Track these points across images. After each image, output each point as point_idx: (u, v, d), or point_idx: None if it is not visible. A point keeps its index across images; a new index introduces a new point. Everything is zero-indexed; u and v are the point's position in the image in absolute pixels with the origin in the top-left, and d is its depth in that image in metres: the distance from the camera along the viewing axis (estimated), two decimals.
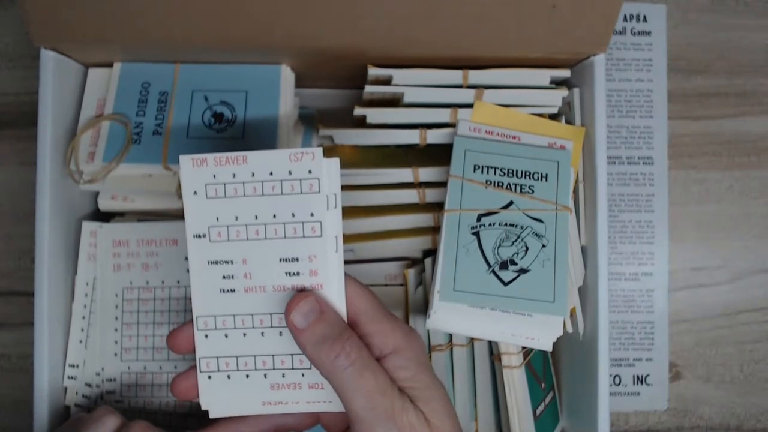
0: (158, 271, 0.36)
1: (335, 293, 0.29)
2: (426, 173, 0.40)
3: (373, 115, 0.40)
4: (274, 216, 0.29)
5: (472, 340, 0.41)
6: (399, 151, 0.42)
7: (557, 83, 0.42)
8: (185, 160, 0.29)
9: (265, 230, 0.29)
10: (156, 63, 0.41)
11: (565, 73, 0.40)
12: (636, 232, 0.51)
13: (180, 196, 0.40)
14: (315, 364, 0.28)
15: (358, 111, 0.40)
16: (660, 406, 0.51)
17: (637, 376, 0.51)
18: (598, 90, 0.39)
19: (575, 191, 0.40)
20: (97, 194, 0.41)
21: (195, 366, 0.30)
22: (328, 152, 0.43)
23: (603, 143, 0.39)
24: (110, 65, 0.41)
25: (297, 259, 0.29)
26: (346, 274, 0.30)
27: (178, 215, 0.41)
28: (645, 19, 0.52)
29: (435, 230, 0.42)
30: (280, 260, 0.29)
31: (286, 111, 0.40)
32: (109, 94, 0.40)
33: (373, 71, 0.40)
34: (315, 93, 0.47)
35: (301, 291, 0.29)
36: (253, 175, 0.29)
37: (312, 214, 0.29)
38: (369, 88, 0.41)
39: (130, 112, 0.40)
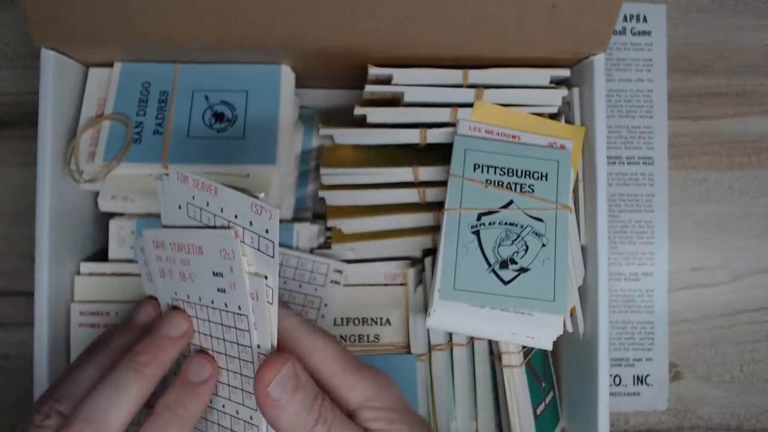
0: (194, 285, 0.29)
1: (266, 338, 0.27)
2: (426, 173, 0.41)
3: (374, 114, 0.40)
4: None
5: (472, 340, 0.41)
6: (399, 151, 0.42)
7: (557, 83, 0.42)
8: (173, 173, 0.27)
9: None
10: (156, 63, 0.41)
11: (565, 72, 0.41)
12: (636, 232, 0.51)
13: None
14: None
15: (359, 111, 0.40)
16: (660, 406, 0.51)
17: (637, 376, 0.51)
18: (598, 90, 0.39)
19: (575, 191, 0.40)
20: (97, 194, 0.42)
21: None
22: (329, 152, 0.43)
23: (603, 143, 0.39)
24: (110, 65, 0.41)
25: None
26: (301, 325, 0.28)
27: None
28: (645, 19, 0.52)
29: (435, 230, 0.42)
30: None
31: (286, 111, 0.40)
32: (109, 94, 0.40)
33: (374, 71, 0.40)
34: (315, 93, 0.47)
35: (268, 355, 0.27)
36: (221, 210, 0.26)
37: (266, 277, 0.26)
38: (369, 88, 0.41)
39: (131, 112, 0.40)
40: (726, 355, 0.51)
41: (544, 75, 0.40)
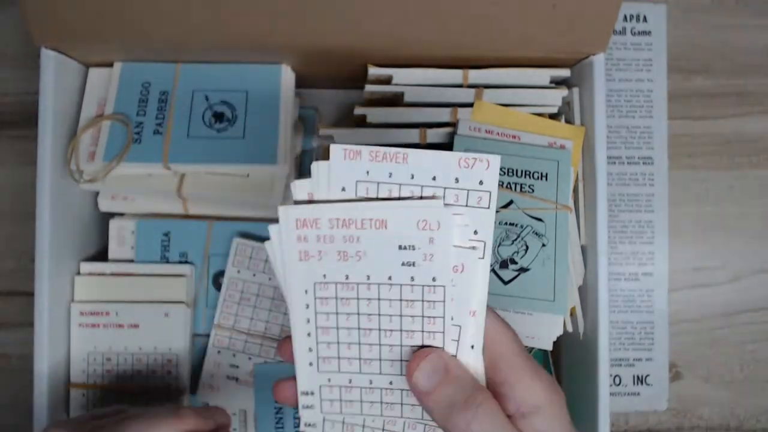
0: (360, 263, 0.26)
1: (473, 330, 0.26)
2: None
3: (374, 114, 0.40)
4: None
5: None
6: None
7: (557, 83, 0.42)
8: (337, 149, 0.24)
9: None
10: (156, 63, 0.41)
11: (565, 72, 0.41)
12: (636, 232, 0.51)
13: (181, 197, 0.40)
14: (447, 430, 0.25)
15: (359, 110, 0.40)
16: (660, 407, 0.51)
17: (637, 376, 0.51)
18: (598, 90, 0.39)
19: (575, 191, 0.40)
20: (97, 194, 0.42)
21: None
22: (328, 152, 0.43)
23: (603, 143, 0.39)
24: (111, 65, 0.41)
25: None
26: (488, 308, 0.26)
27: (178, 216, 0.41)
28: (645, 19, 0.52)
29: None
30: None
31: (286, 111, 0.40)
32: (109, 94, 0.40)
33: (374, 71, 0.40)
34: (315, 93, 0.47)
35: (422, 348, 0.26)
36: (412, 177, 0.25)
37: (475, 232, 0.25)
38: (369, 88, 0.41)
39: (131, 112, 0.40)
40: (726, 355, 0.51)
41: (544, 75, 0.40)
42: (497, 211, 0.37)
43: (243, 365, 0.40)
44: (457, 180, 0.24)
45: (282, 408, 0.40)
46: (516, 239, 0.37)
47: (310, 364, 0.27)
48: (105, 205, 0.41)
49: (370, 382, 0.27)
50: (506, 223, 0.37)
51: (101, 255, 0.42)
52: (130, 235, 0.41)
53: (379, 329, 0.27)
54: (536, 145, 0.39)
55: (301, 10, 0.35)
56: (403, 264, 0.26)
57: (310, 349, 0.27)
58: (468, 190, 0.24)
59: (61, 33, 0.37)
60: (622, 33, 0.51)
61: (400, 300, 0.27)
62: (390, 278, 0.26)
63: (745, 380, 0.51)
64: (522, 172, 0.38)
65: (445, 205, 0.25)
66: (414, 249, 0.26)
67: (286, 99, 0.41)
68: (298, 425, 0.40)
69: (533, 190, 0.38)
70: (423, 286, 0.26)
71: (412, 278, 0.26)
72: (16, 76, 0.49)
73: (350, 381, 0.27)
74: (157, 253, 0.41)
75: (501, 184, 0.38)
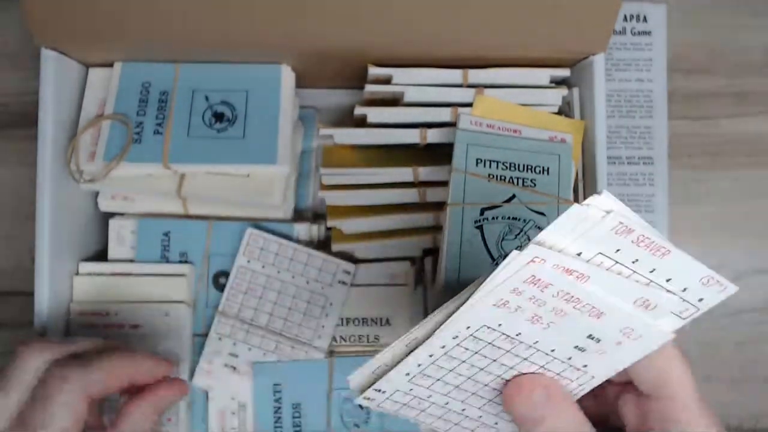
0: (540, 329, 0.24)
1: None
2: (426, 172, 0.41)
3: (374, 114, 0.40)
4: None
5: None
6: (399, 151, 0.42)
7: (557, 82, 0.42)
8: (611, 222, 0.21)
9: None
10: (156, 63, 0.41)
11: (564, 72, 0.41)
12: None
13: (181, 197, 0.40)
14: None
15: (359, 110, 0.40)
16: None
17: None
18: (598, 90, 0.39)
19: (575, 191, 0.40)
20: (97, 194, 0.42)
21: None
22: (329, 152, 0.43)
23: (603, 143, 0.39)
24: (111, 65, 0.41)
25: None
26: (672, 345, 0.26)
27: (178, 216, 0.41)
28: (645, 19, 0.52)
29: (435, 230, 0.42)
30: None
31: (286, 111, 0.40)
32: (109, 94, 0.40)
33: (374, 71, 0.40)
34: (315, 93, 0.47)
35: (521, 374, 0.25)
36: (652, 271, 0.23)
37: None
38: (369, 88, 0.41)
39: (131, 112, 0.40)
40: (726, 355, 0.51)
41: (544, 75, 0.40)
42: (498, 207, 0.37)
43: (242, 355, 0.40)
44: (685, 290, 0.23)
45: (281, 407, 0.40)
46: (519, 234, 0.37)
47: (407, 374, 0.26)
48: (105, 205, 0.41)
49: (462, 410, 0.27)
50: (509, 218, 0.37)
51: (101, 255, 0.42)
52: (130, 235, 0.41)
53: (496, 375, 0.26)
54: (537, 139, 0.39)
55: (301, 10, 0.35)
56: (575, 347, 0.25)
57: (420, 365, 0.25)
58: (684, 300, 0.24)
59: (61, 33, 0.37)
60: (622, 33, 0.51)
61: (543, 367, 0.26)
62: (552, 351, 0.25)
63: (745, 380, 0.51)
64: (524, 166, 0.38)
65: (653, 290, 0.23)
66: (598, 342, 0.25)
67: (286, 99, 0.41)
68: (297, 424, 0.40)
69: (535, 185, 0.38)
70: (572, 367, 0.26)
71: (569, 358, 0.25)
72: (16, 76, 0.49)
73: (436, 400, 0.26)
74: (157, 253, 0.41)
75: (503, 179, 0.38)
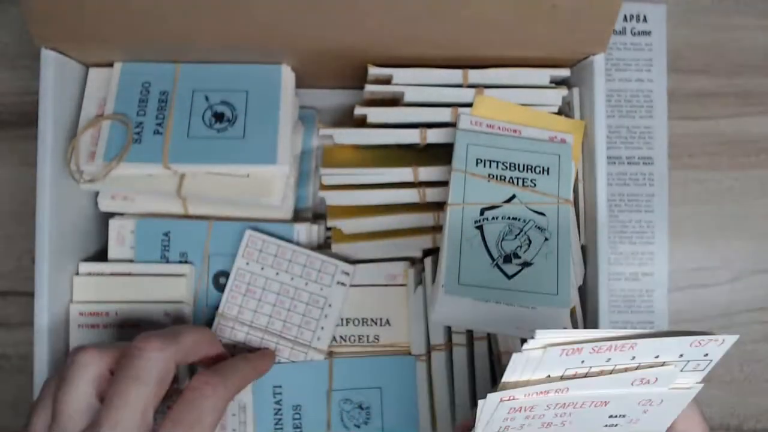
0: (562, 428, 0.25)
1: None
2: (426, 172, 0.41)
3: (374, 114, 0.40)
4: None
5: (471, 340, 0.41)
6: (399, 151, 0.42)
7: (557, 83, 0.42)
8: (553, 351, 0.22)
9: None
10: (156, 63, 0.41)
11: (564, 72, 0.41)
12: (636, 232, 0.51)
13: (180, 197, 0.40)
14: None
15: (359, 110, 0.40)
16: None
17: None
18: (598, 90, 0.39)
19: (575, 191, 0.40)
20: (97, 194, 0.42)
21: None
22: (329, 152, 0.43)
23: (603, 143, 0.39)
24: (111, 65, 0.41)
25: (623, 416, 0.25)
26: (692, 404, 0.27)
27: (178, 216, 0.41)
28: (645, 19, 0.52)
29: (435, 230, 0.42)
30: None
31: (286, 111, 0.40)
32: (109, 94, 0.40)
33: (374, 71, 0.40)
34: (315, 93, 0.47)
35: None
36: (633, 358, 0.23)
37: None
38: (369, 88, 0.41)
39: (131, 112, 0.40)
40: (726, 355, 0.51)
41: (544, 75, 0.40)
42: (498, 207, 0.37)
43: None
44: (681, 355, 0.24)
45: (281, 409, 0.40)
46: (519, 234, 0.37)
47: None
48: (105, 205, 0.41)
49: None
50: (509, 218, 0.37)
51: (101, 255, 0.42)
52: (130, 234, 0.41)
53: None
54: (537, 139, 0.39)
55: (301, 10, 0.35)
56: (605, 426, 0.25)
57: None
58: (689, 361, 0.24)
59: (61, 33, 0.37)
60: (622, 33, 0.51)
61: None
62: None
63: (745, 380, 0.51)
64: (524, 166, 0.38)
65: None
66: (624, 417, 0.25)
67: (286, 99, 0.41)
68: (297, 425, 0.40)
69: (535, 185, 0.38)
70: None
71: None
72: (16, 76, 0.49)
73: None
74: (157, 253, 0.41)
75: (503, 179, 0.38)
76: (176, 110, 0.40)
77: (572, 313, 0.39)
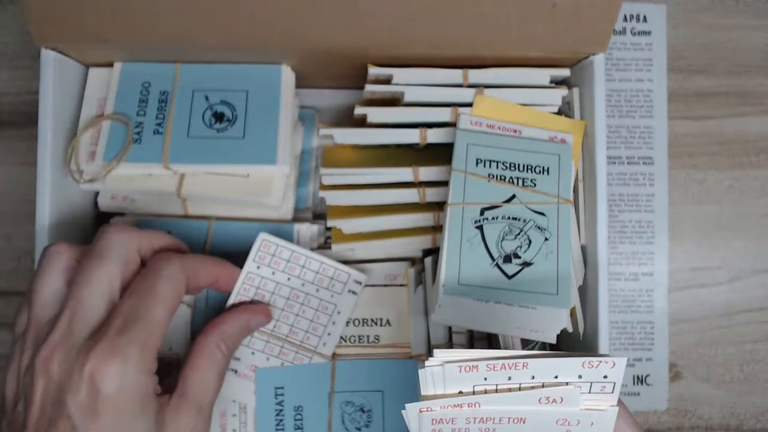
0: None
1: None
2: (426, 172, 0.41)
3: (374, 114, 0.40)
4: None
5: (471, 340, 0.41)
6: (399, 151, 0.42)
7: (557, 82, 0.42)
8: (451, 368, 0.24)
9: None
10: (156, 63, 0.41)
11: (564, 72, 0.41)
12: (636, 232, 0.51)
13: (180, 197, 0.40)
14: None
15: (359, 110, 0.40)
16: (660, 406, 0.51)
17: (637, 376, 0.51)
18: (598, 90, 0.39)
19: (575, 191, 0.40)
20: (97, 194, 0.42)
21: None
22: (329, 152, 0.43)
23: (603, 143, 0.39)
24: (111, 65, 0.41)
25: None
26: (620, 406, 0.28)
27: (178, 216, 0.41)
28: (645, 19, 0.52)
29: (435, 230, 0.42)
30: None
31: (286, 111, 0.40)
32: (109, 94, 0.40)
33: (374, 70, 0.40)
34: (315, 93, 0.47)
35: None
36: (533, 377, 0.25)
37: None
38: (369, 88, 0.41)
39: (131, 112, 0.40)
40: (726, 355, 0.51)
41: (544, 75, 0.40)
42: (498, 207, 0.37)
43: (244, 359, 0.40)
44: (580, 377, 0.25)
45: (282, 410, 0.40)
46: (519, 233, 0.37)
47: None
48: (105, 205, 0.41)
49: None
50: (509, 218, 0.37)
51: None
52: None
53: None
54: (537, 139, 0.39)
55: (302, 11, 0.35)
56: None
57: None
58: (591, 383, 0.25)
59: (61, 33, 0.37)
60: (622, 33, 0.51)
61: None
62: None
63: (745, 380, 0.51)
64: (524, 166, 0.38)
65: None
66: None
67: (286, 99, 0.41)
68: (299, 426, 0.40)
69: (535, 185, 0.38)
70: None
71: None
72: (16, 76, 0.49)
73: None
74: None
75: (503, 179, 0.38)
76: (176, 110, 0.40)
77: (572, 313, 0.39)
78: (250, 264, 0.39)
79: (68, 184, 0.39)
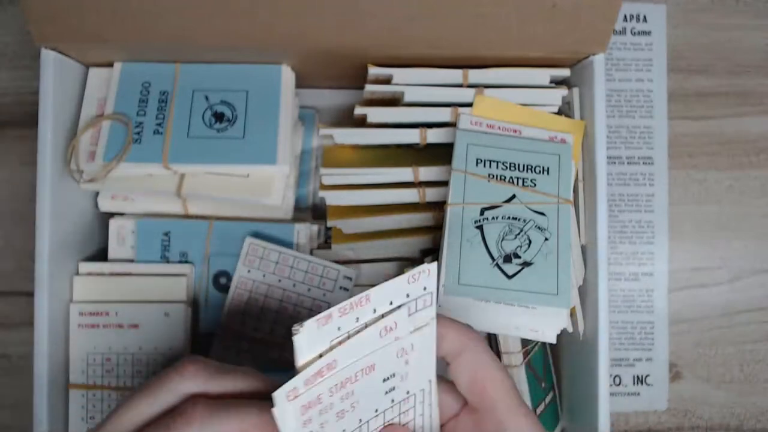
0: (355, 412, 0.27)
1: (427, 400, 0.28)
2: (426, 172, 0.41)
3: (374, 114, 0.40)
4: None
5: None
6: (399, 151, 0.42)
7: (557, 82, 0.42)
8: (309, 324, 0.24)
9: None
10: (156, 63, 0.41)
11: (564, 72, 0.41)
12: (636, 232, 0.51)
13: (180, 197, 0.40)
14: None
15: (359, 110, 0.40)
16: (660, 407, 0.51)
17: (637, 376, 0.51)
18: (598, 90, 0.39)
19: (575, 191, 0.40)
20: (97, 194, 0.42)
21: None
22: (329, 152, 0.43)
23: (603, 143, 0.39)
24: (111, 65, 0.41)
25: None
26: (485, 352, 0.28)
27: (178, 216, 0.41)
28: (645, 19, 0.52)
29: (435, 230, 0.42)
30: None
31: (286, 111, 0.40)
32: (109, 94, 0.40)
33: (374, 70, 0.40)
34: (315, 93, 0.47)
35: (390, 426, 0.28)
36: (374, 311, 0.26)
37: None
38: (369, 88, 0.41)
39: (131, 112, 0.40)
40: (726, 355, 0.51)
41: (544, 75, 0.40)
42: (498, 207, 0.37)
43: (245, 363, 0.40)
44: (408, 295, 0.26)
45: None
46: (519, 233, 0.37)
47: None
48: (105, 205, 0.41)
49: None
50: (509, 218, 0.37)
51: (101, 255, 0.42)
52: (130, 234, 0.41)
53: None
54: (537, 139, 0.39)
55: (302, 11, 0.35)
56: (386, 392, 0.27)
57: None
58: (416, 299, 0.26)
59: (61, 33, 0.37)
60: (622, 33, 0.51)
61: (384, 421, 0.28)
62: (376, 410, 0.28)
63: (745, 380, 0.51)
64: (524, 166, 0.38)
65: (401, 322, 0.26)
66: (394, 376, 0.27)
67: (286, 99, 0.41)
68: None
69: (535, 185, 0.38)
70: (401, 402, 0.28)
71: (392, 400, 0.28)
72: (16, 76, 0.49)
73: None
74: (157, 252, 0.41)
75: (503, 179, 0.38)
76: (176, 110, 0.40)
77: (572, 313, 0.39)
78: (240, 269, 0.39)
79: (68, 184, 0.39)
